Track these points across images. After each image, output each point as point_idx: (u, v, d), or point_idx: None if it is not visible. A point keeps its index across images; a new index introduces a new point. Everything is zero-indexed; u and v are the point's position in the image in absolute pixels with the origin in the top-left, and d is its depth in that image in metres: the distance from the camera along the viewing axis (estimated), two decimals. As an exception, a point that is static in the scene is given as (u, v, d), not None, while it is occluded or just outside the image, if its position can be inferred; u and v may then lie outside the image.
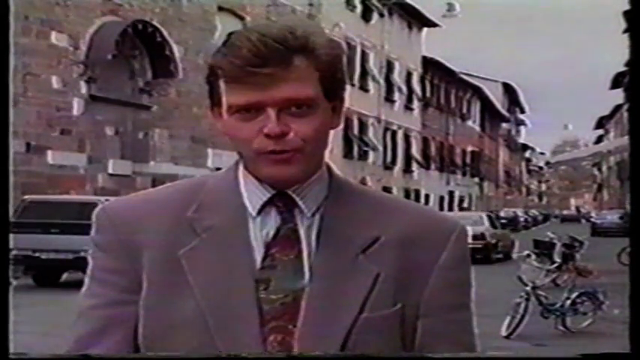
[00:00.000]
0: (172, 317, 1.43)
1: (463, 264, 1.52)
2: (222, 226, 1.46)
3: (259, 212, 1.47)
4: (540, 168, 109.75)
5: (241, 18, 28.95)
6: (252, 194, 1.48)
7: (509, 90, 76.60)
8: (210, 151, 27.02)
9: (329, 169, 1.51)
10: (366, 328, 1.43)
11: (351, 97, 36.44)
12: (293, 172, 1.43)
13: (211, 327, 1.42)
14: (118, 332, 1.46)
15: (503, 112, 74.00)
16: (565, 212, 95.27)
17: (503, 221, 54.55)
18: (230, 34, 1.45)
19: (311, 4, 34.98)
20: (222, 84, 1.43)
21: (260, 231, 1.46)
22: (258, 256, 1.45)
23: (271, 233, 1.46)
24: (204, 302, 1.42)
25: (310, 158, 1.45)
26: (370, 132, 42.65)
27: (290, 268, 1.44)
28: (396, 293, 1.45)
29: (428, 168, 51.84)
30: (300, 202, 1.47)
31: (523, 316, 11.38)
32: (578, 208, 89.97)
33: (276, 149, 1.41)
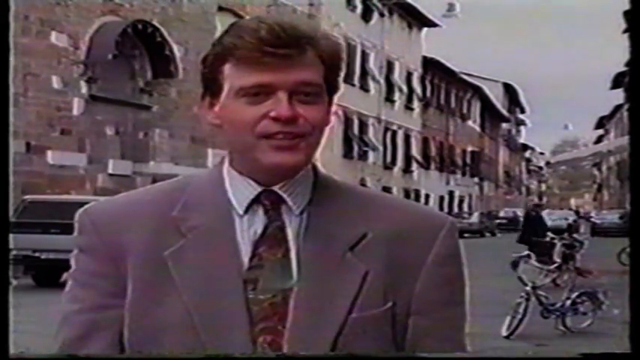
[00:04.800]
0: (159, 320, 1.39)
1: (453, 260, 1.49)
2: (208, 226, 1.43)
3: (246, 211, 1.43)
4: (540, 168, 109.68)
5: (241, 18, 28.92)
6: (239, 192, 1.44)
7: (509, 90, 76.56)
8: (210, 151, 26.99)
9: (314, 167, 1.48)
10: (356, 327, 1.40)
11: (351, 97, 36.48)
12: (297, 160, 1.40)
13: (199, 330, 1.38)
14: (103, 337, 1.43)
15: (504, 112, 73.95)
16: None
17: (503, 221, 54.86)
18: (238, 21, 1.45)
19: (311, 4, 34.98)
20: (227, 68, 1.41)
21: (247, 230, 1.43)
22: (246, 255, 1.41)
23: (259, 232, 1.42)
24: (191, 304, 1.38)
25: (312, 148, 1.42)
26: (370, 132, 42.65)
27: (278, 268, 1.41)
28: (386, 292, 1.42)
29: (428, 168, 51.84)
30: (288, 200, 1.43)
31: (523, 316, 11.36)
32: (577, 210, 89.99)
33: (283, 131, 1.38)
